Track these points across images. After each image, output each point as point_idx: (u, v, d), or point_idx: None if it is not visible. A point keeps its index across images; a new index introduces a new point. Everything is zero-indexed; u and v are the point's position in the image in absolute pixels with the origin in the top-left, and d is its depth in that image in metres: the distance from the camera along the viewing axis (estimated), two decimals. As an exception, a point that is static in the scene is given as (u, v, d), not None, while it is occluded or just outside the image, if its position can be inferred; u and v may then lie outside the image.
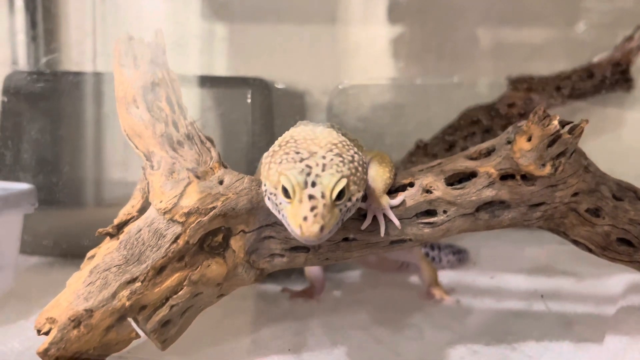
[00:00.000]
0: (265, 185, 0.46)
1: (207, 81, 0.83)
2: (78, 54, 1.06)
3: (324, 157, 0.45)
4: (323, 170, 0.44)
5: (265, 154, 0.48)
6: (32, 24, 1.03)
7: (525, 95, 0.93)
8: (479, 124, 0.90)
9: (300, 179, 0.43)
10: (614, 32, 0.96)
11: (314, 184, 0.43)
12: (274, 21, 1.03)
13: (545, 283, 0.77)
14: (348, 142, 0.48)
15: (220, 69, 1.05)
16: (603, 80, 0.95)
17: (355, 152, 0.47)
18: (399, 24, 1.02)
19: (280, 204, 0.45)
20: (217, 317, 0.62)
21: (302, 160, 0.45)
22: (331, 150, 0.46)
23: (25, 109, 0.82)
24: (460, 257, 0.82)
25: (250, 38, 1.03)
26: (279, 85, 0.90)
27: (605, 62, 0.95)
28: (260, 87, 0.81)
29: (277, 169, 0.45)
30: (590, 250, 0.54)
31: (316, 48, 1.03)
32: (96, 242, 0.53)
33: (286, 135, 0.49)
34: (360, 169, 0.46)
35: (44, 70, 0.98)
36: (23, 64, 1.03)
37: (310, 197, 0.43)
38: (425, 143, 0.86)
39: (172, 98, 0.51)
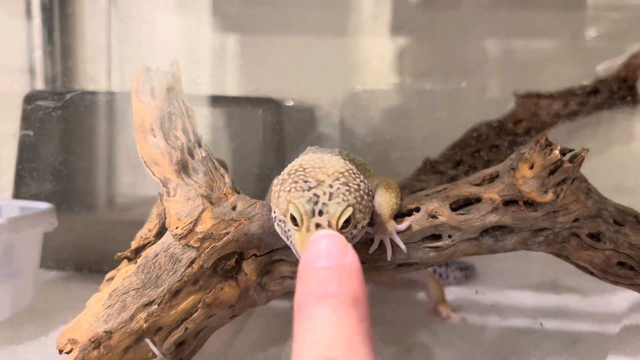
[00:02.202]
0: (274, 212, 0.48)
1: (220, 101, 0.85)
2: (93, 69, 1.09)
3: (331, 186, 0.46)
4: (330, 199, 0.45)
5: (275, 181, 0.50)
6: (49, 39, 1.05)
7: (532, 112, 0.94)
8: (486, 141, 0.91)
9: (308, 207, 0.45)
10: (623, 41, 0.97)
11: (321, 213, 0.45)
12: (283, 34, 1.05)
13: (550, 300, 0.78)
14: (354, 171, 0.49)
15: (231, 83, 1.07)
16: (610, 96, 0.95)
17: (362, 181, 0.49)
18: (407, 37, 1.04)
19: (289, 231, 0.46)
20: (228, 334, 0.64)
21: (310, 189, 0.46)
22: (338, 179, 0.47)
23: (44, 128, 0.85)
24: (467, 274, 0.84)
25: (261, 51, 1.05)
26: (289, 103, 0.92)
27: (612, 78, 0.96)
28: (271, 106, 0.84)
29: (286, 197, 0.47)
30: (592, 273, 0.56)
31: (325, 60, 1.04)
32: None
33: (295, 163, 0.50)
34: (365, 197, 0.48)
35: (61, 90, 1.01)
36: (40, 79, 1.06)
37: (317, 225, 0.45)
38: (432, 161, 0.87)
39: (187, 127, 0.53)
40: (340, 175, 0.48)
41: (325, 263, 0.35)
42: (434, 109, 1.02)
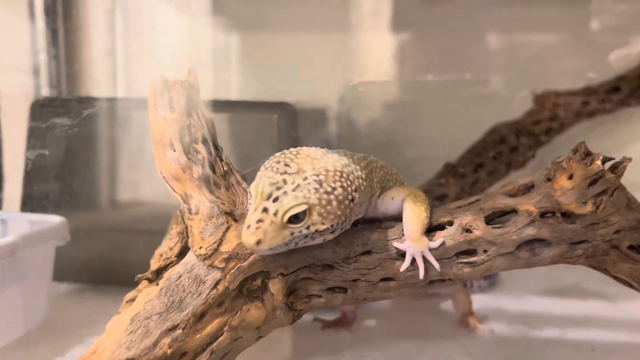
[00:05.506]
0: None
1: (234, 106, 0.83)
2: (98, 72, 1.07)
3: (305, 179, 0.44)
4: (293, 190, 0.44)
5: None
6: (53, 42, 1.04)
7: (551, 112, 0.92)
8: (506, 143, 0.89)
9: (267, 190, 0.44)
10: (629, 33, 0.94)
11: (276, 199, 0.43)
12: (289, 32, 1.03)
13: (577, 307, 0.76)
14: (346, 175, 0.46)
15: (235, 83, 1.05)
16: (630, 93, 0.93)
17: (343, 187, 0.45)
18: (412, 34, 1.01)
19: (250, 205, 0.45)
20: (251, 349, 0.62)
21: (284, 173, 0.45)
22: (317, 175, 0.45)
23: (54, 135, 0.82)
24: (492, 282, 0.82)
25: (266, 49, 1.03)
26: (301, 106, 0.90)
27: (632, 75, 0.94)
28: (286, 110, 0.81)
29: (262, 172, 0.46)
30: (631, 286, 0.53)
31: (331, 58, 1.02)
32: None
33: (299, 148, 0.48)
34: (335, 203, 0.44)
35: (67, 97, 0.99)
36: (45, 82, 1.04)
37: (264, 209, 0.43)
38: (453, 164, 0.85)
39: (208, 139, 0.50)
40: (322, 173, 0.45)
41: None
42: (445, 106, 1.00)
